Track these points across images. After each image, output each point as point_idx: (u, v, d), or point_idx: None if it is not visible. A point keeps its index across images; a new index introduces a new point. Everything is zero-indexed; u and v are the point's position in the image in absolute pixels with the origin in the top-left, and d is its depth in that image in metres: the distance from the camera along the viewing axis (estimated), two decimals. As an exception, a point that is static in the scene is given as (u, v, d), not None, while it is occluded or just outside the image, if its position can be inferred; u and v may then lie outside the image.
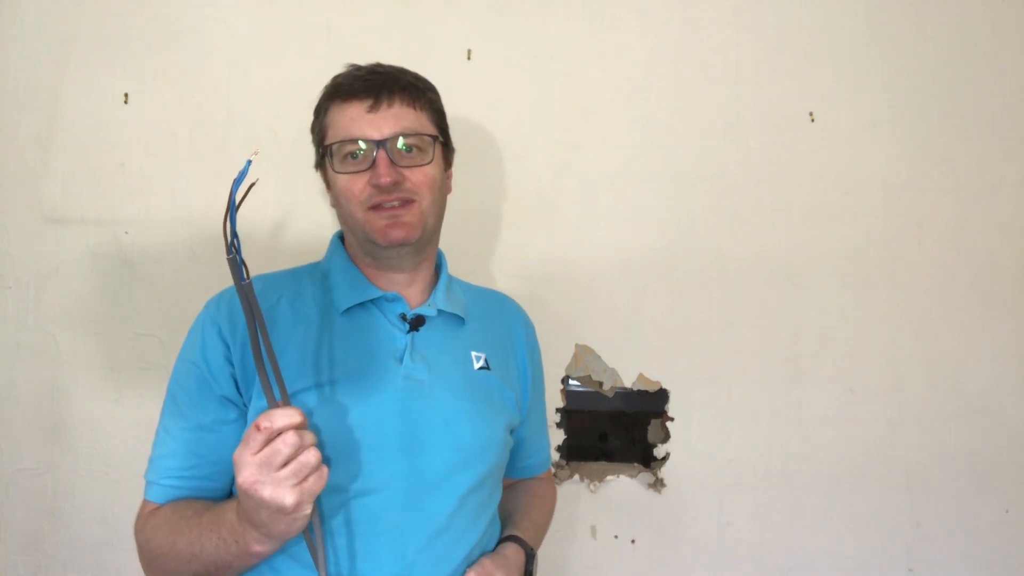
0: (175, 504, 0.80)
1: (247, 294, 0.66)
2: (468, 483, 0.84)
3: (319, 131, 0.89)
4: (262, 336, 0.68)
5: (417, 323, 0.88)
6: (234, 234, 0.64)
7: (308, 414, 0.78)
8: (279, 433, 0.65)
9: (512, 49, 1.35)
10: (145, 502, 0.83)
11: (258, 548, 0.70)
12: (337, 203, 0.88)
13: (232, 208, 0.64)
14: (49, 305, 1.28)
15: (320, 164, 0.91)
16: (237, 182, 0.64)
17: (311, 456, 0.66)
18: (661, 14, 1.37)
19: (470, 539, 0.85)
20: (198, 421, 0.81)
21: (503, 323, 1.00)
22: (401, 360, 0.84)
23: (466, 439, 0.85)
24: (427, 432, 0.82)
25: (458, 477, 0.84)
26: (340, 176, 0.85)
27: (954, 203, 1.40)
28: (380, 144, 0.82)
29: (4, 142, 1.29)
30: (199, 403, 0.81)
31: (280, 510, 0.65)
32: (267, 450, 0.64)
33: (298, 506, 0.65)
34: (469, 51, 1.34)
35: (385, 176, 0.81)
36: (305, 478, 0.66)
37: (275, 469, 0.64)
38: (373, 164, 0.82)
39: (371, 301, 0.88)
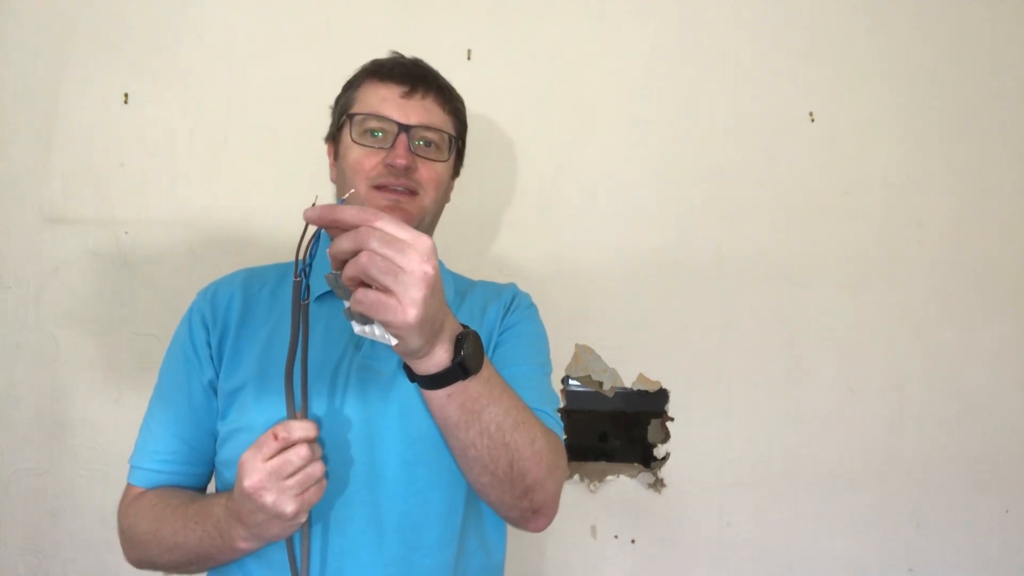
0: (159, 492, 0.82)
1: (303, 313, 0.68)
2: (426, 477, 0.80)
3: (345, 102, 0.89)
4: (302, 350, 0.69)
5: None
6: (309, 262, 0.65)
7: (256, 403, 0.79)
8: (293, 444, 0.67)
9: (512, 49, 1.35)
10: (129, 486, 0.84)
11: (243, 545, 0.72)
12: (342, 175, 0.87)
13: (316, 237, 0.64)
14: (49, 305, 1.28)
15: (333, 136, 0.91)
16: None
17: (317, 469, 0.68)
18: (661, 14, 1.37)
19: (435, 538, 0.80)
20: (182, 407, 0.83)
21: (478, 303, 0.93)
22: (359, 348, 0.82)
23: (422, 431, 0.80)
24: (380, 424, 0.79)
25: (415, 471, 0.79)
26: (355, 147, 0.85)
27: (954, 203, 1.40)
28: (404, 128, 0.84)
29: (4, 142, 1.29)
30: (185, 389, 0.84)
31: (279, 516, 0.67)
32: (279, 459, 0.66)
33: (296, 514, 0.67)
34: (469, 51, 1.34)
35: (401, 158, 0.82)
36: (307, 489, 0.67)
37: (283, 478, 0.66)
38: (392, 145, 0.83)
39: None
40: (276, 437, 0.66)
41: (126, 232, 1.29)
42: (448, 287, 0.92)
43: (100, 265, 1.29)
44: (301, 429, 0.67)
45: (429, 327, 0.62)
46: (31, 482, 1.28)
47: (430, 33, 1.34)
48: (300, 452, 0.66)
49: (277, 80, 1.31)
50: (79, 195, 1.29)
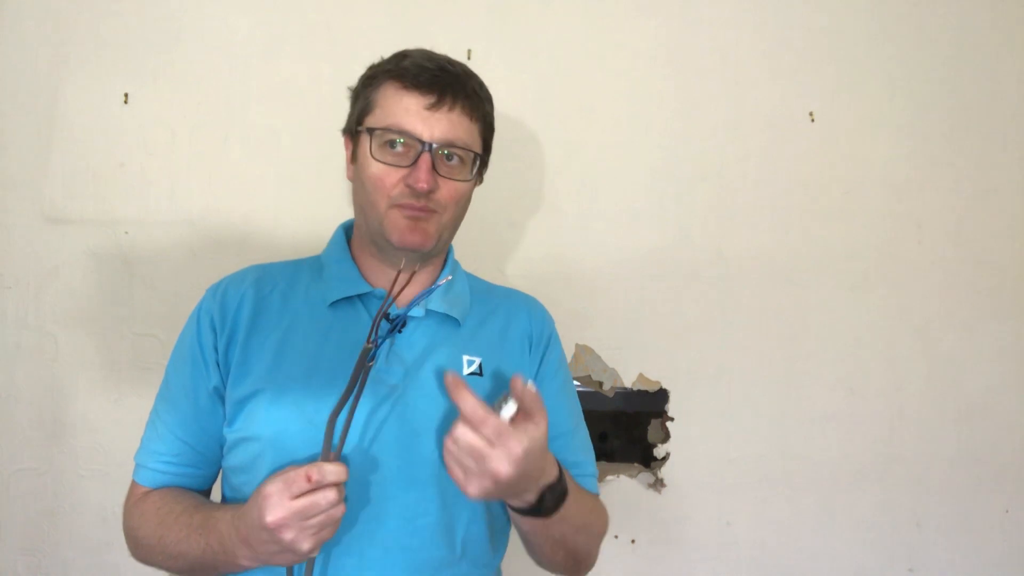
0: (164, 495, 0.81)
1: (364, 373, 0.75)
2: (430, 498, 0.79)
3: (365, 103, 0.84)
4: (354, 397, 0.74)
5: (400, 323, 0.83)
6: (381, 337, 0.77)
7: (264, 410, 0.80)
8: (324, 487, 0.67)
9: (512, 49, 1.35)
10: (134, 484, 0.84)
11: (246, 564, 0.72)
12: (361, 186, 0.84)
13: (386, 306, 0.75)
14: (49, 305, 1.28)
15: (352, 132, 0.87)
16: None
17: (338, 511, 0.68)
18: (661, 14, 1.37)
19: (432, 558, 0.79)
20: (187, 410, 0.83)
21: (506, 324, 0.92)
22: (373, 359, 0.80)
23: (423, 454, 0.79)
24: (387, 441, 0.78)
25: (423, 492, 0.79)
26: (376, 163, 0.80)
27: (954, 203, 1.40)
28: (428, 147, 0.79)
29: (4, 142, 1.29)
30: (190, 392, 0.83)
31: (292, 551, 0.67)
32: (306, 500, 0.66)
33: (311, 551, 0.68)
34: (469, 51, 1.34)
35: (423, 182, 0.78)
36: (324, 528, 0.68)
37: (306, 519, 0.66)
38: (414, 163, 0.79)
39: (359, 296, 0.85)
40: (309, 479, 0.66)
41: (126, 232, 1.29)
42: (459, 295, 0.90)
43: (100, 265, 1.29)
44: (334, 473, 0.67)
45: (512, 488, 0.71)
46: (31, 482, 1.28)
47: (430, 33, 1.34)
48: (328, 496, 0.66)
49: (277, 80, 1.31)
50: (79, 195, 1.29)
